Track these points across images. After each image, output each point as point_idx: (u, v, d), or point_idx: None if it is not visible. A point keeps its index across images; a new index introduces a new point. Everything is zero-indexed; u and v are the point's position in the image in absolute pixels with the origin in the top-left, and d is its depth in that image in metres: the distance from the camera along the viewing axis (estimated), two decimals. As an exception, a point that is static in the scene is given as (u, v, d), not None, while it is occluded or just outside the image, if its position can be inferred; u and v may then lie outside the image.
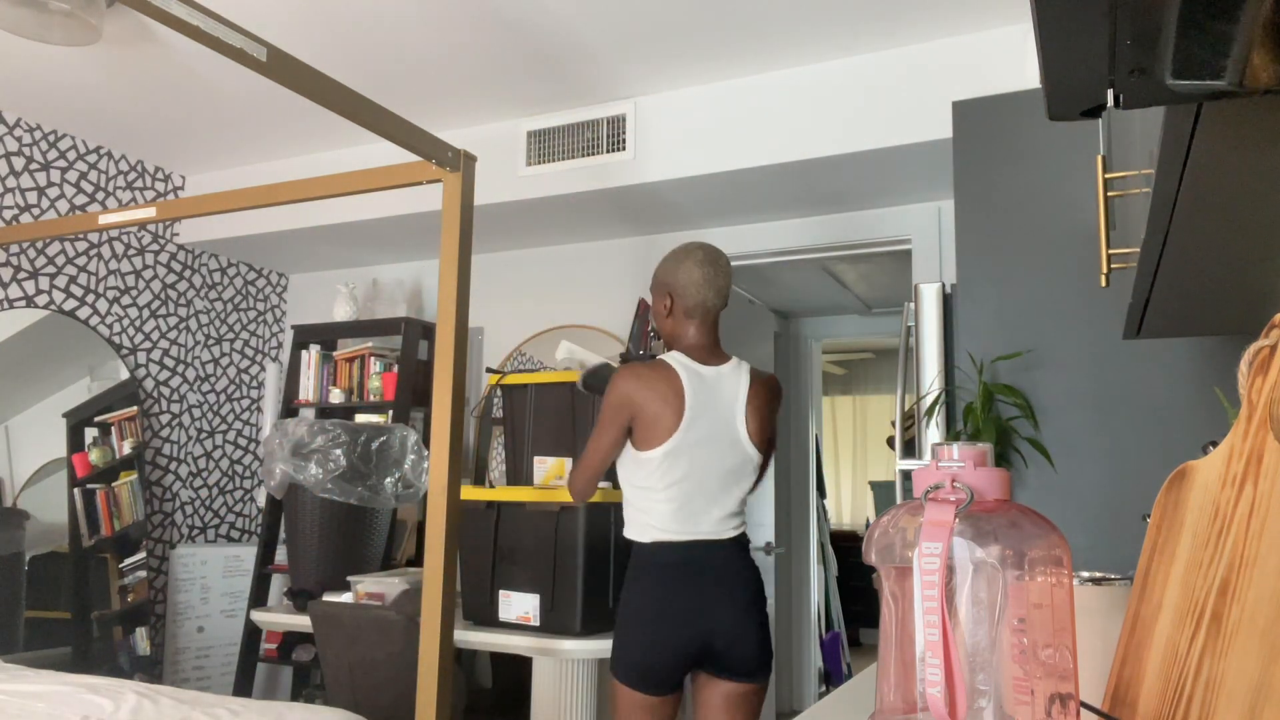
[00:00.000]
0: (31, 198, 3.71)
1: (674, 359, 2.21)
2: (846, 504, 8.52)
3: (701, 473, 2.18)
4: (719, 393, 2.21)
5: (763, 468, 2.32)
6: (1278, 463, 0.73)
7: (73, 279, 3.85)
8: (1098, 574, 1.06)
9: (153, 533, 4.09)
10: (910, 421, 2.50)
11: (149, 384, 4.12)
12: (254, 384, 4.64)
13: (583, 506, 2.67)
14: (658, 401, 2.15)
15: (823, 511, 5.96)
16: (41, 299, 3.74)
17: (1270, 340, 0.74)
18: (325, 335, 4.26)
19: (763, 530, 4.63)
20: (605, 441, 2.20)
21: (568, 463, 2.94)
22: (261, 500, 4.46)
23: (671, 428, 2.15)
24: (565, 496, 2.69)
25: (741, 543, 2.25)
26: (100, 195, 3.96)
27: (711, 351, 2.27)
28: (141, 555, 3.94)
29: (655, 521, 2.18)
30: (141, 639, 3.89)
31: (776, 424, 2.35)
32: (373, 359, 4.12)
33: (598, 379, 2.46)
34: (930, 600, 0.70)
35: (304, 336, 4.27)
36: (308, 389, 4.23)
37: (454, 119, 3.58)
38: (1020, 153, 2.21)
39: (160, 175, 4.21)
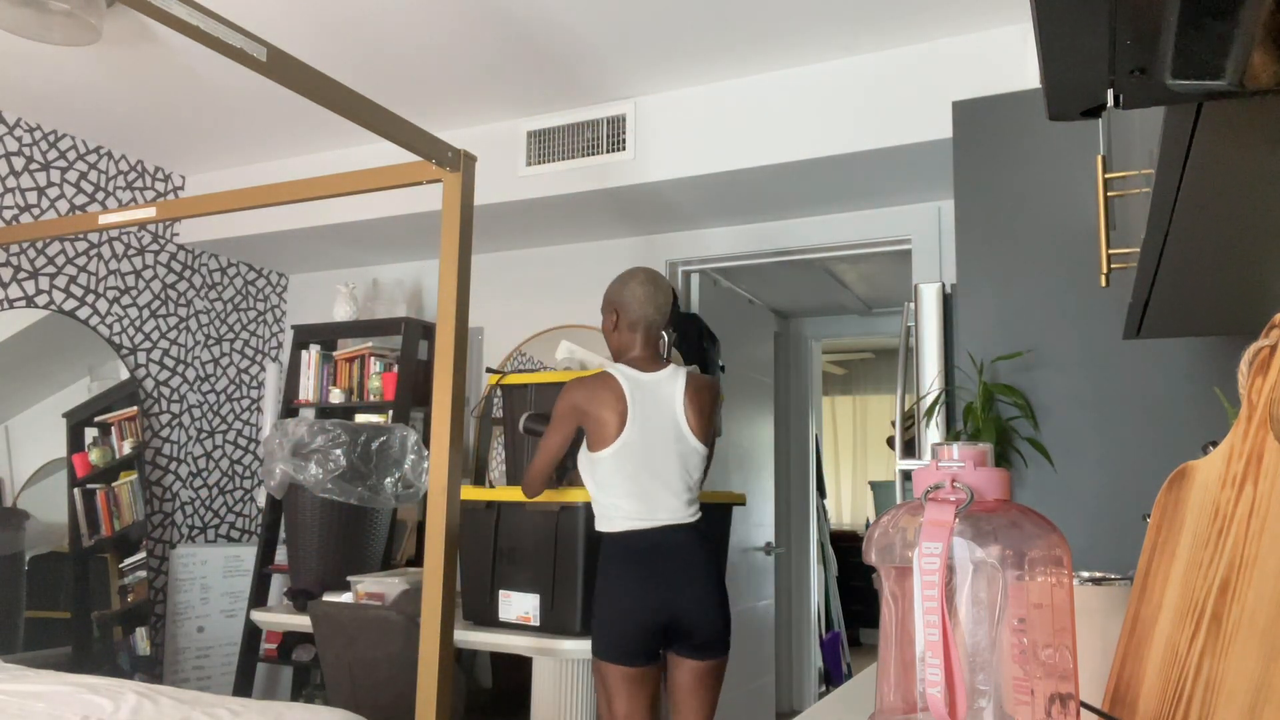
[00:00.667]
0: (31, 198, 3.71)
1: (615, 369, 2.48)
2: (846, 504, 8.52)
3: (654, 465, 2.43)
4: (659, 394, 2.48)
5: (708, 459, 2.57)
6: (1278, 463, 0.73)
7: (73, 279, 3.85)
8: (1098, 574, 1.06)
9: (153, 533, 4.09)
10: (910, 421, 2.51)
11: (149, 384, 4.12)
12: (254, 384, 4.64)
13: (583, 506, 2.69)
14: (603, 408, 2.42)
15: (823, 511, 5.96)
16: (41, 299, 3.74)
17: (1270, 340, 0.74)
18: (325, 335, 4.26)
19: (763, 530, 4.63)
20: (553, 443, 2.49)
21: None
22: (261, 500, 4.46)
23: (618, 429, 2.41)
24: (565, 496, 2.70)
25: (699, 528, 2.49)
26: (100, 195, 3.96)
27: (652, 361, 2.55)
28: (141, 555, 3.94)
29: (621, 513, 2.42)
30: (141, 639, 3.90)
31: (719, 422, 2.67)
32: (373, 359, 4.12)
33: (537, 422, 2.77)
34: (930, 600, 0.70)
35: (304, 336, 4.27)
36: (308, 389, 4.23)
37: (454, 119, 3.58)
38: (1020, 153, 2.21)
39: (160, 175, 4.21)
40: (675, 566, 2.38)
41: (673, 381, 2.50)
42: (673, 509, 2.43)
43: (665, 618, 2.35)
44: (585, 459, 2.48)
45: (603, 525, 2.46)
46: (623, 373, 2.46)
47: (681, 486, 2.46)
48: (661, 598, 2.34)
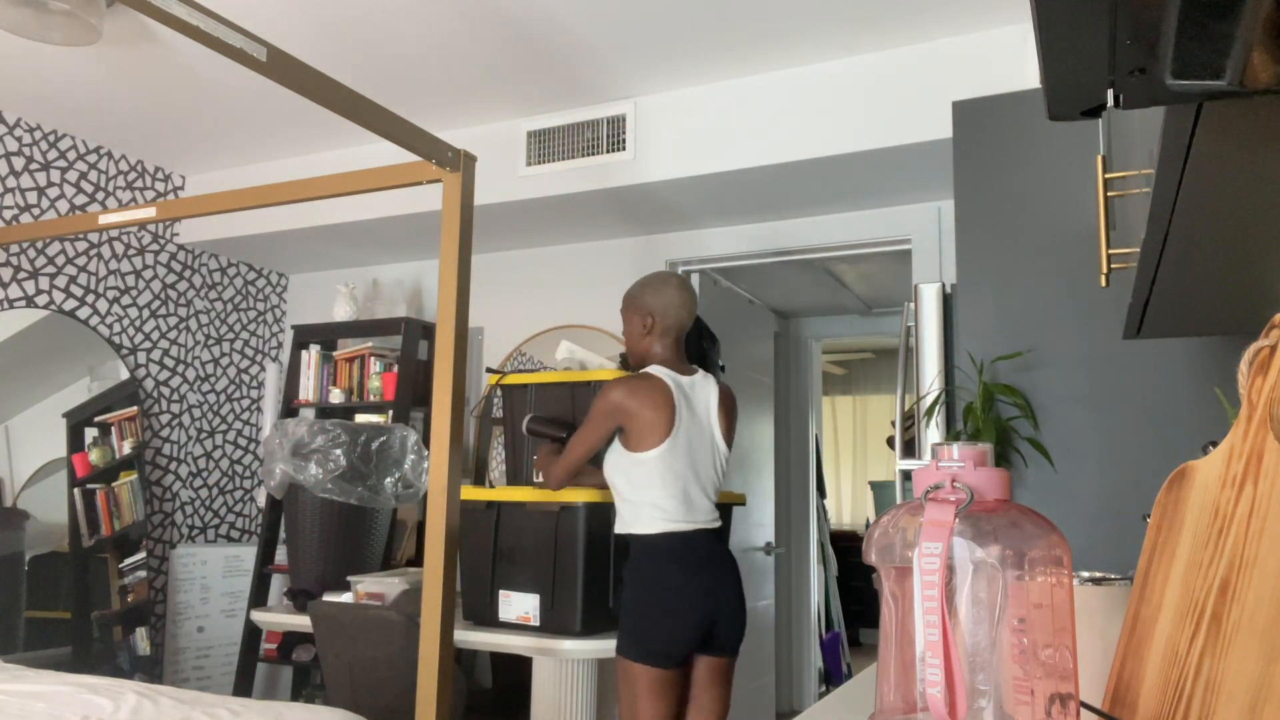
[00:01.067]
0: (31, 198, 3.71)
1: (658, 371, 2.45)
2: (846, 504, 8.52)
3: (694, 468, 2.44)
4: (696, 399, 2.49)
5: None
6: (1278, 463, 0.73)
7: (73, 279, 3.85)
8: (1098, 574, 1.06)
9: (153, 533, 4.09)
10: (910, 421, 2.51)
11: (149, 384, 4.12)
12: (254, 384, 4.64)
13: (583, 506, 2.69)
14: (650, 408, 2.38)
15: (823, 511, 5.96)
16: (41, 299, 3.74)
17: (1270, 340, 0.74)
18: (325, 335, 4.26)
19: (763, 530, 4.63)
20: (591, 441, 2.44)
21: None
22: (261, 500, 4.46)
23: (665, 430, 2.39)
24: (565, 497, 2.70)
25: (722, 533, 2.55)
26: (100, 195, 3.96)
27: (682, 364, 2.55)
28: (141, 555, 3.94)
29: (662, 514, 2.39)
30: (141, 639, 3.89)
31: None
32: (373, 359, 4.12)
33: (541, 424, 2.77)
34: (930, 600, 0.70)
35: (304, 336, 4.27)
36: (308, 389, 4.23)
37: (454, 119, 3.58)
38: (1020, 153, 2.21)
39: (160, 175, 4.21)
40: (714, 568, 2.40)
41: (706, 386, 2.53)
42: (706, 511, 2.45)
43: (708, 619, 2.37)
44: (621, 459, 2.44)
45: (635, 527, 2.42)
46: (665, 374, 2.45)
47: (712, 490, 2.48)
48: (707, 599, 2.36)
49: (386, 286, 4.58)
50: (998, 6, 2.70)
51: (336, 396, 4.14)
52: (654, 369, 2.46)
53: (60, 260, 3.81)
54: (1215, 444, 0.80)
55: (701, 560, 2.39)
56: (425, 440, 4.00)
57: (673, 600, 2.33)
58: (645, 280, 2.57)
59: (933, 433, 2.27)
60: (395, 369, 4.07)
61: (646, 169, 3.30)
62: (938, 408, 2.25)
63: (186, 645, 4.06)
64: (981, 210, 2.24)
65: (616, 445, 2.47)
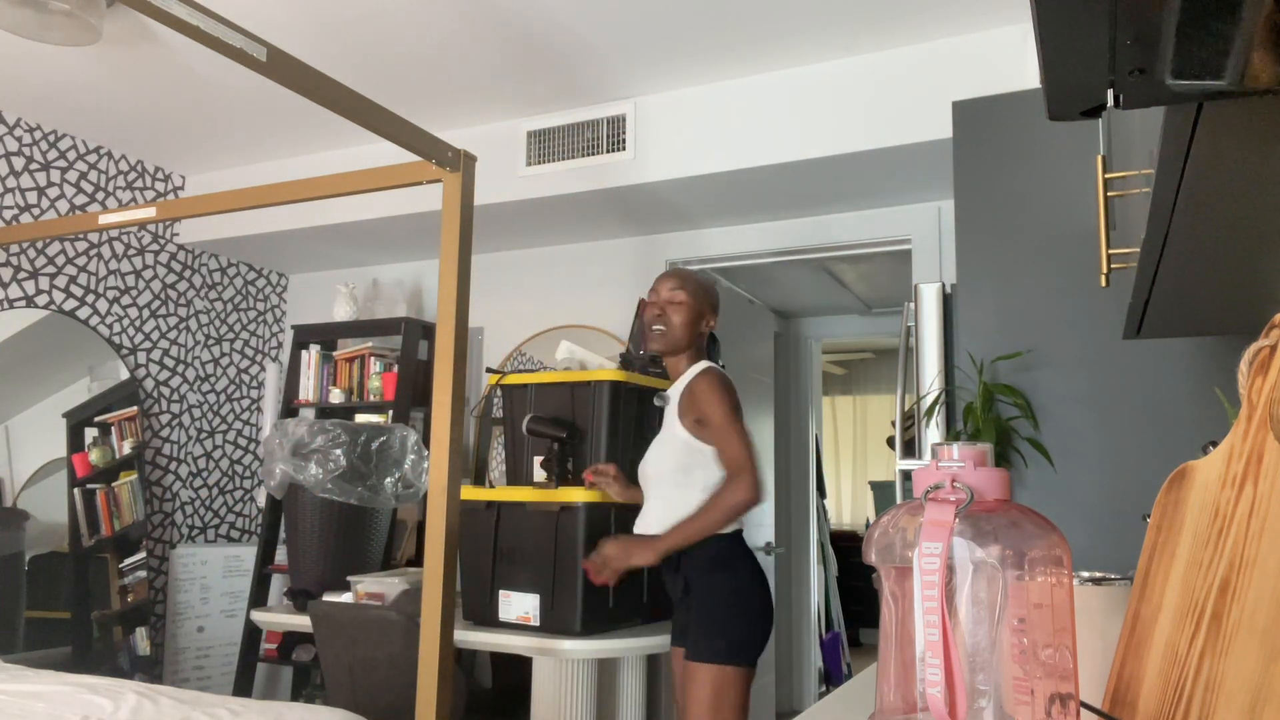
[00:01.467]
0: (31, 198, 3.71)
1: (717, 368, 2.44)
2: (846, 504, 8.51)
3: None
4: None
5: None
6: (1278, 463, 0.73)
7: (73, 279, 3.85)
8: (1098, 574, 1.06)
9: (153, 533, 4.09)
10: (910, 421, 2.51)
11: (149, 384, 4.12)
12: (254, 384, 4.64)
13: (583, 506, 2.69)
14: (736, 396, 2.38)
15: (823, 511, 5.96)
16: (41, 299, 3.74)
17: (1270, 340, 0.74)
18: (325, 335, 4.26)
19: (763, 530, 4.63)
20: (745, 435, 2.33)
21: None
22: (261, 500, 4.46)
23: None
24: (565, 496, 2.69)
25: None
26: (100, 195, 3.96)
27: None
28: (141, 555, 3.94)
29: None
30: (141, 639, 3.89)
31: None
32: (373, 359, 4.12)
33: (541, 424, 2.79)
34: (930, 600, 0.70)
35: (304, 336, 4.27)
36: (308, 389, 4.23)
37: (454, 119, 3.58)
38: (1020, 153, 2.21)
39: (160, 175, 4.21)
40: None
41: None
42: None
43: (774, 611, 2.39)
44: (708, 455, 2.34)
45: None
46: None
47: None
48: (773, 594, 2.39)
49: (386, 286, 4.58)
50: (998, 6, 2.70)
51: (336, 396, 4.14)
52: (714, 365, 2.44)
53: (60, 260, 3.81)
54: (1215, 444, 0.80)
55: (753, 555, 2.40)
56: (425, 440, 4.00)
57: (763, 596, 2.32)
58: (702, 279, 2.51)
59: (933, 433, 2.27)
60: (395, 369, 4.07)
61: (646, 169, 3.30)
62: (938, 408, 2.25)
63: (186, 645, 4.06)
64: (981, 210, 2.24)
65: (692, 440, 2.35)
